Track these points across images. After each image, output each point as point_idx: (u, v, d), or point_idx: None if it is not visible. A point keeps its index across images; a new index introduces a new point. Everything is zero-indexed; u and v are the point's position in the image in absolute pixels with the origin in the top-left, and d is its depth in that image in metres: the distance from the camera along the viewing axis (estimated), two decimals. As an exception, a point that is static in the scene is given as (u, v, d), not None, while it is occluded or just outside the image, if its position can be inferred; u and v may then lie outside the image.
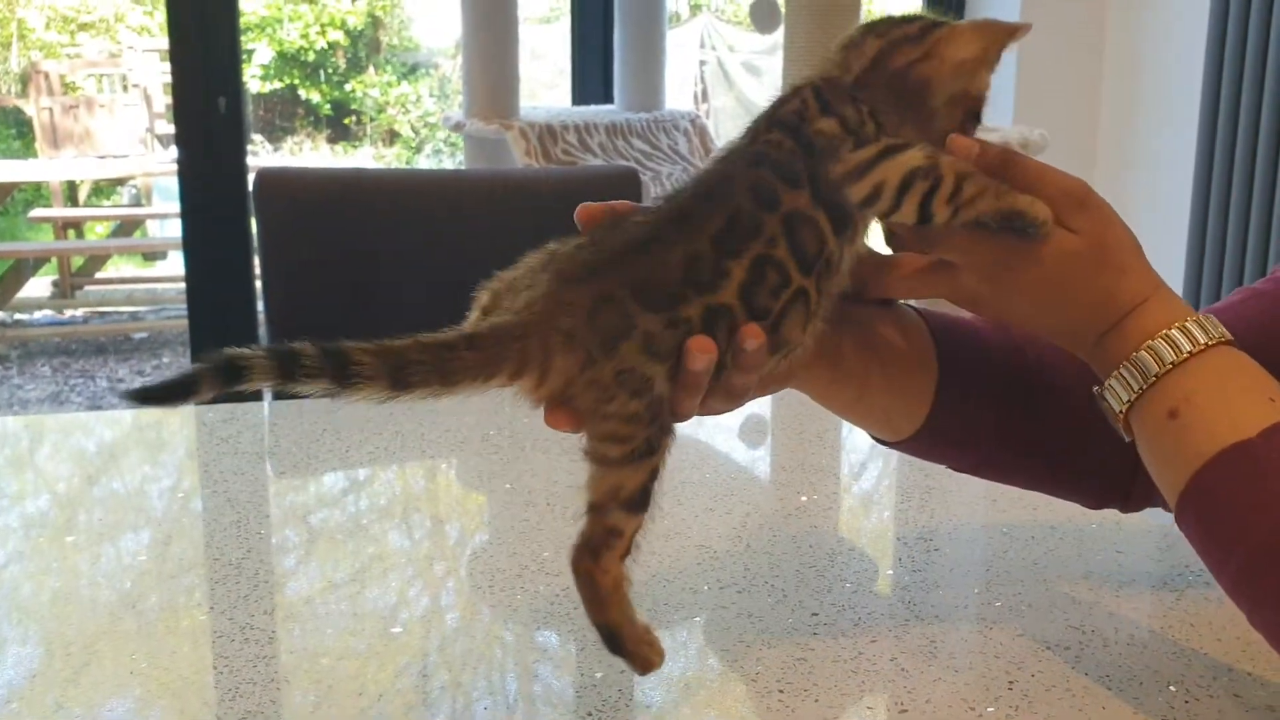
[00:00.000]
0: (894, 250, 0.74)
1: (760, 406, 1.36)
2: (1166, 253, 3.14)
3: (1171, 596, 0.86)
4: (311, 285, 1.62)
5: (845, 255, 0.68)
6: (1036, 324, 0.73)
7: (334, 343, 0.57)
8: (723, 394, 0.67)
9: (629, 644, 0.65)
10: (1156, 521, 0.96)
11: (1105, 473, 0.83)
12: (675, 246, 0.64)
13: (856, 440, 1.24)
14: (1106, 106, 3.40)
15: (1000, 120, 3.06)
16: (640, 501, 0.64)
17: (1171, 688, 0.73)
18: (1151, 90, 3.23)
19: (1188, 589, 0.88)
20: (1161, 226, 3.18)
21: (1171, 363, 0.67)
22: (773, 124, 0.68)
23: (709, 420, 1.25)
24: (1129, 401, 0.68)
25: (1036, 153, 2.60)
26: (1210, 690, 0.73)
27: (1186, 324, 0.68)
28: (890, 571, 0.91)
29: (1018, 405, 0.81)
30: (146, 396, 0.56)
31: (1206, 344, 0.67)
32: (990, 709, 0.71)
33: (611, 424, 0.62)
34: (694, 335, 0.63)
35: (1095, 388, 0.71)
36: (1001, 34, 0.71)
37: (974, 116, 0.72)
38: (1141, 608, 0.85)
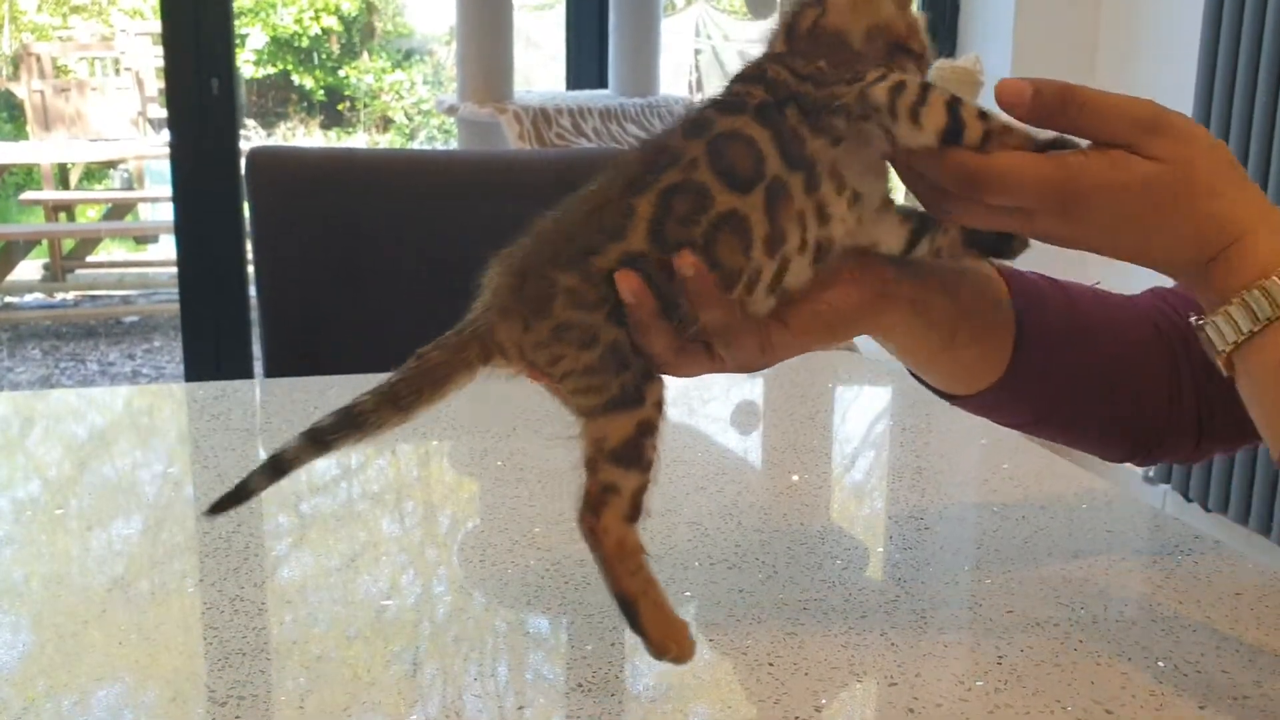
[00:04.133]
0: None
1: (752, 389, 1.36)
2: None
3: (1160, 574, 0.87)
4: (304, 264, 1.62)
5: (816, 182, 0.64)
6: (1130, 256, 0.68)
7: (344, 406, 0.67)
8: (721, 341, 0.67)
9: (645, 622, 0.64)
10: (1146, 501, 0.96)
11: (1145, 422, 0.85)
12: (589, 200, 0.65)
13: (848, 422, 1.25)
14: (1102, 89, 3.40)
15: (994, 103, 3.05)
16: (629, 456, 0.64)
17: (1160, 663, 0.73)
18: (1146, 77, 3.24)
19: (1177, 567, 0.88)
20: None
21: None
22: (727, 85, 0.67)
23: (700, 403, 1.25)
24: (1235, 342, 0.65)
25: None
26: (1199, 666, 0.73)
27: None
28: (881, 549, 0.92)
29: (1079, 361, 0.82)
30: (217, 509, 0.66)
31: None
32: (979, 683, 0.71)
33: (574, 378, 0.65)
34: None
35: (1195, 319, 0.68)
36: None
37: (902, 49, 0.70)
38: (1131, 585, 0.85)
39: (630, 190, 0.64)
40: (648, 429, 0.65)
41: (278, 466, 0.65)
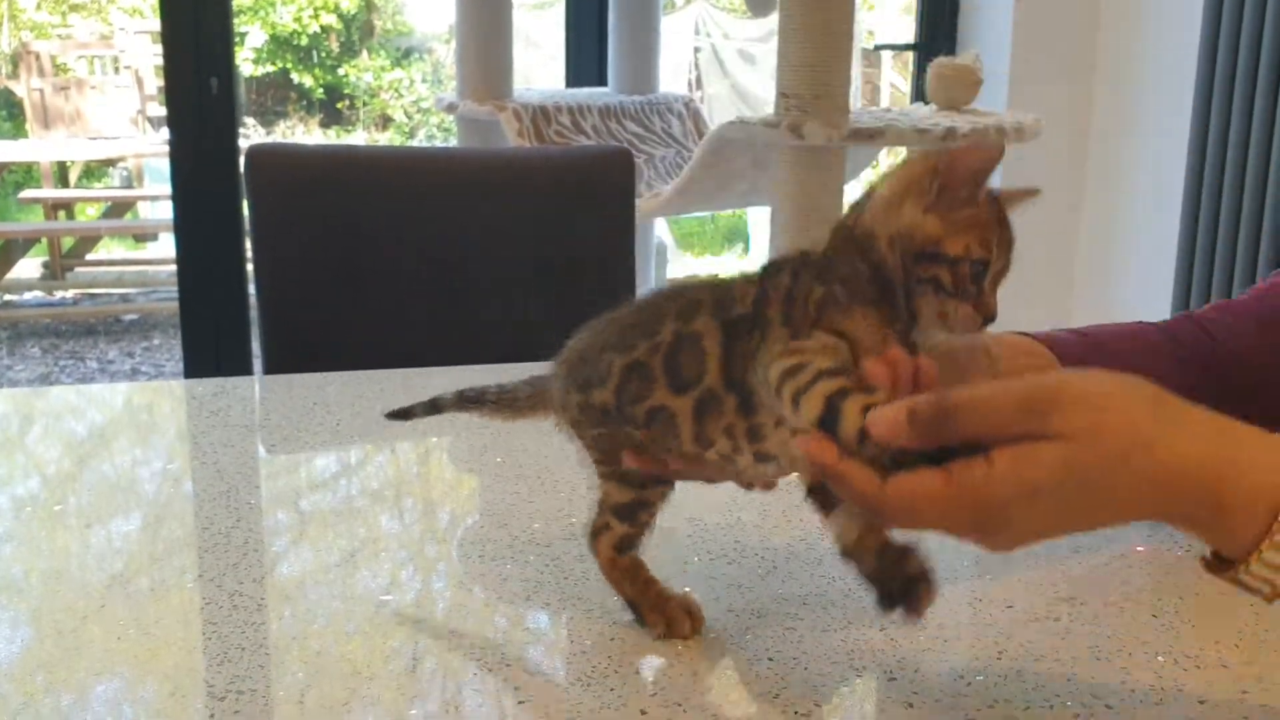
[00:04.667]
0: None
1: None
2: (1160, 237, 3.14)
3: (1160, 570, 0.87)
4: (303, 262, 1.62)
5: (752, 407, 0.67)
6: (1087, 531, 0.63)
7: (465, 390, 0.84)
8: (707, 479, 0.76)
9: (644, 614, 0.76)
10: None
11: None
12: (605, 331, 0.74)
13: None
14: (1100, 92, 3.40)
15: (994, 105, 3.05)
16: (625, 515, 0.75)
17: (1160, 658, 0.73)
18: (1146, 74, 3.24)
19: (1177, 563, 0.88)
20: (1155, 213, 3.19)
21: None
22: (762, 275, 0.70)
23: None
24: None
25: (1030, 138, 2.60)
26: (1198, 661, 0.73)
27: None
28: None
29: None
30: (397, 416, 0.88)
31: None
32: (979, 678, 0.71)
33: (585, 441, 0.76)
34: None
35: (1209, 560, 0.62)
36: (918, 167, 0.67)
37: (930, 258, 0.66)
38: (1131, 581, 0.85)
39: (617, 345, 0.72)
40: (644, 505, 0.75)
41: (436, 405, 0.85)
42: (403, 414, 0.86)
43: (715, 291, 0.70)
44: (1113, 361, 0.76)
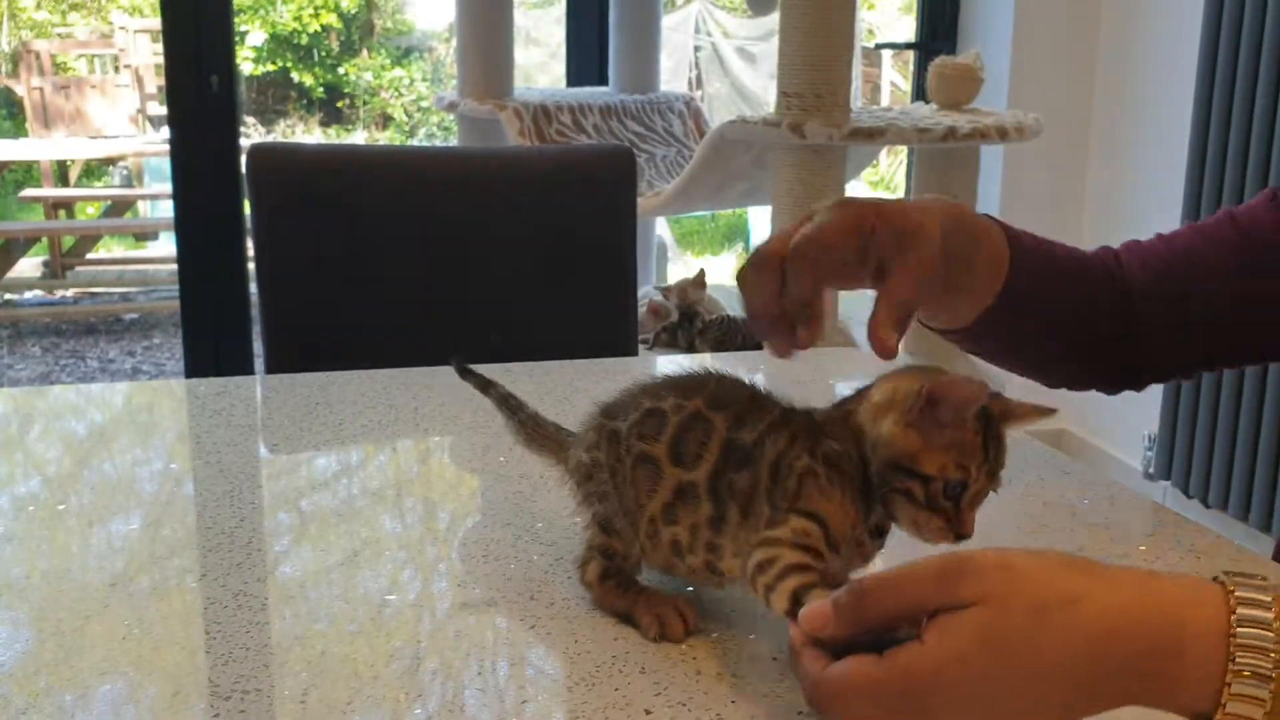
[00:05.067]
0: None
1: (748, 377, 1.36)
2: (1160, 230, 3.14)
3: (1161, 567, 0.86)
4: (304, 261, 1.62)
5: (719, 529, 0.72)
6: (1042, 701, 0.58)
7: (511, 398, 0.89)
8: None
9: (638, 618, 0.77)
10: (1147, 497, 0.96)
11: (1097, 355, 1.02)
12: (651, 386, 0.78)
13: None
14: (1100, 91, 3.40)
15: (995, 104, 3.05)
16: (606, 554, 0.78)
17: (1162, 658, 0.73)
18: (1146, 73, 3.23)
19: (1178, 562, 0.88)
20: (1156, 211, 3.19)
21: (1275, 641, 0.55)
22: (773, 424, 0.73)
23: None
24: (1267, 714, 0.55)
25: (1030, 137, 2.60)
26: (1201, 661, 0.73)
27: (1236, 595, 0.57)
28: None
29: (1052, 299, 0.97)
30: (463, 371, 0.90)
31: (1273, 596, 0.56)
32: (982, 678, 0.71)
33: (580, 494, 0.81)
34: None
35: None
36: (906, 385, 0.69)
37: (905, 471, 0.67)
38: (1133, 581, 0.85)
39: (652, 391, 0.77)
40: (627, 557, 0.78)
41: (487, 386, 0.89)
42: (467, 372, 0.90)
43: (745, 403, 0.74)
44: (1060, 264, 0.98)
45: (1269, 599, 0.56)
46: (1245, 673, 0.55)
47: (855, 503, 0.69)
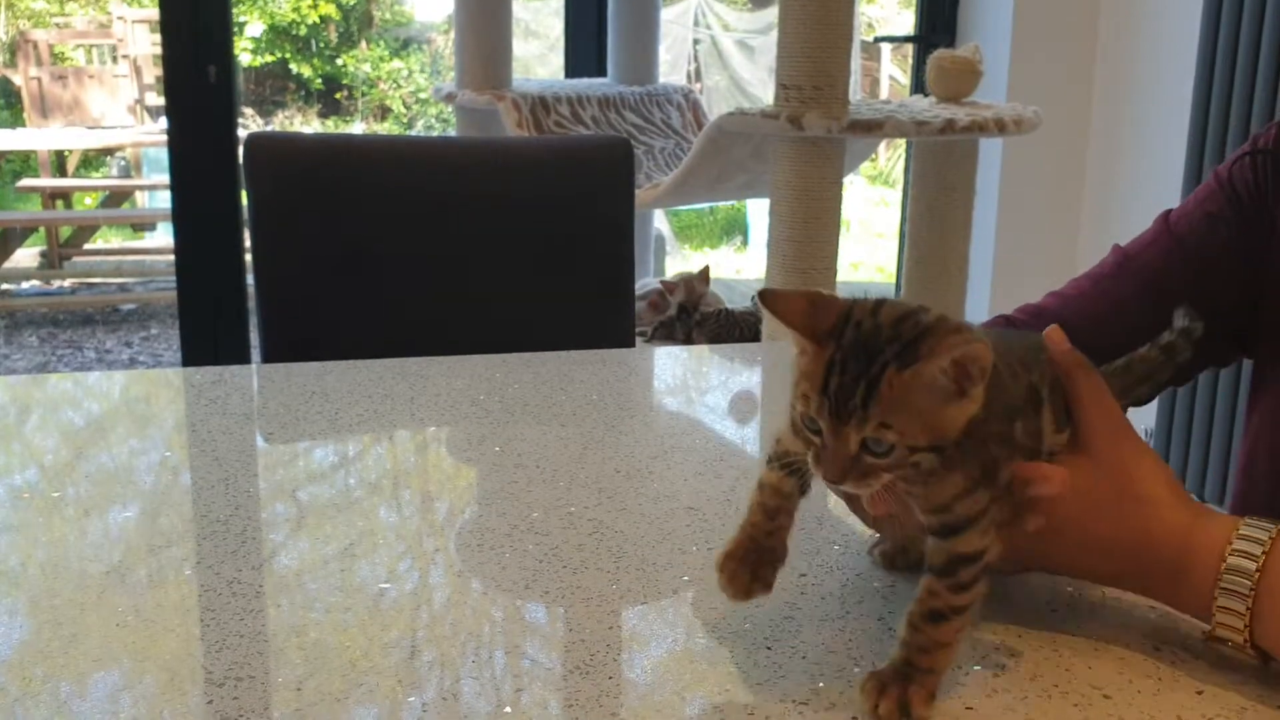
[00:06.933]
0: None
1: (750, 379, 1.36)
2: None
3: (1159, 562, 0.87)
4: (302, 251, 1.62)
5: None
6: (1093, 575, 0.76)
7: None
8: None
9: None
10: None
11: None
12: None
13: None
14: (1100, 84, 3.39)
15: (994, 97, 3.05)
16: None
17: (1158, 649, 0.73)
18: (1146, 66, 3.23)
19: (1175, 555, 0.88)
20: (1155, 205, 3.18)
21: (1257, 569, 0.67)
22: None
23: (698, 393, 1.25)
24: (1246, 625, 0.68)
25: (1030, 130, 2.60)
26: (1197, 652, 0.73)
27: (1240, 530, 0.69)
28: (878, 534, 0.91)
29: None
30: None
31: (1270, 537, 0.68)
32: (976, 668, 0.71)
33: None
34: None
35: (1206, 633, 0.71)
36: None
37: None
38: (1129, 572, 0.85)
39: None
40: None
41: None
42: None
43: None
44: None
45: (1267, 536, 0.68)
46: (1227, 592, 0.68)
47: None
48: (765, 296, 0.65)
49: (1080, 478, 0.70)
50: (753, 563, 0.71)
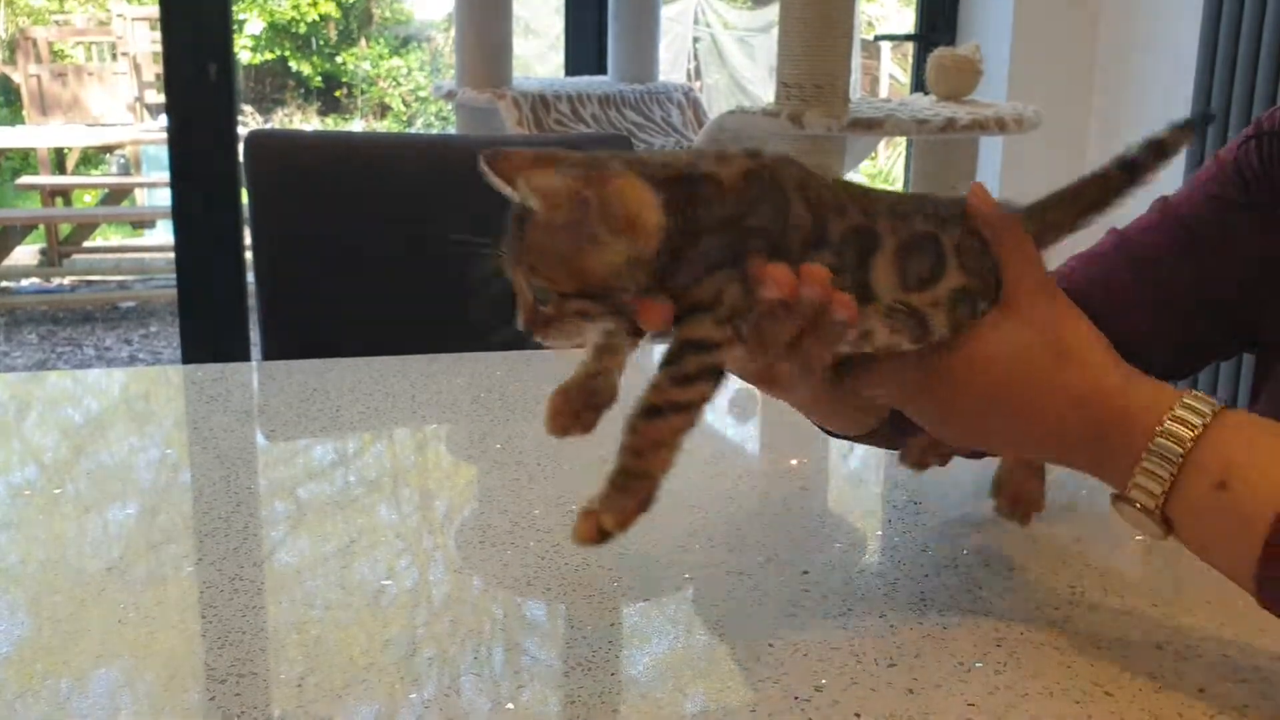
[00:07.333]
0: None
1: (751, 373, 1.35)
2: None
3: (1159, 559, 0.87)
4: (302, 248, 1.61)
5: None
6: (1017, 442, 0.73)
7: None
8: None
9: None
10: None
11: None
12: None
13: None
14: (1100, 83, 3.39)
15: (994, 96, 3.05)
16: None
17: (1159, 647, 0.73)
18: (1146, 66, 3.23)
19: (1176, 552, 0.88)
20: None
21: (1192, 439, 0.65)
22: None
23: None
24: (1164, 492, 0.66)
25: (1030, 129, 2.60)
26: (1199, 650, 0.73)
27: (1183, 400, 0.66)
28: (880, 532, 0.91)
29: None
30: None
31: (1212, 412, 0.65)
32: (978, 665, 0.71)
33: None
34: None
35: (1114, 495, 0.69)
36: None
37: None
38: (1131, 571, 0.85)
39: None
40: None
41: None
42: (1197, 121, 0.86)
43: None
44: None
45: (1208, 410, 0.66)
46: (1148, 464, 0.66)
47: None
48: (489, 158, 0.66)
49: (1010, 338, 0.69)
50: (579, 401, 0.72)
